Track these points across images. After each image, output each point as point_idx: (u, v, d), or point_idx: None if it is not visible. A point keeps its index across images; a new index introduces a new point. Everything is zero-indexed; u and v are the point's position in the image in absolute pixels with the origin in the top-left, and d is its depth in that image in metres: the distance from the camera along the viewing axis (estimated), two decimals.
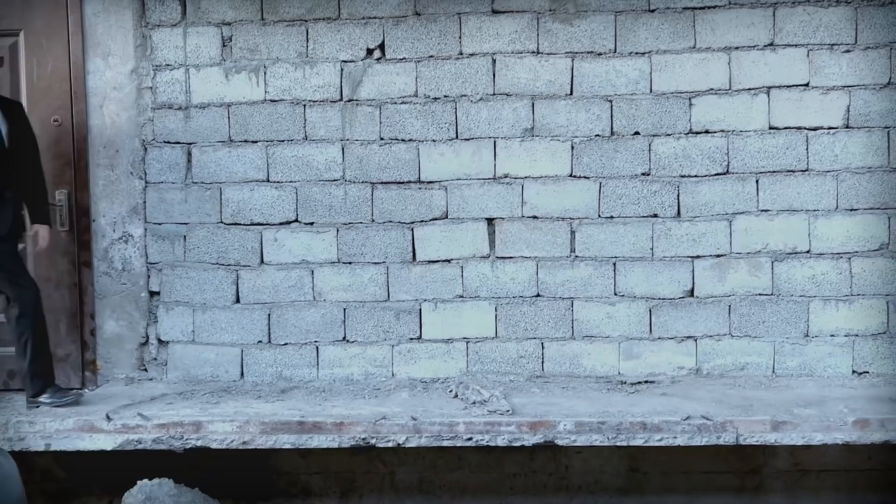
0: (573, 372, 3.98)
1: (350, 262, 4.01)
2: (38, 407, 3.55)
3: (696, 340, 3.96)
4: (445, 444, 3.34)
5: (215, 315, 4.02)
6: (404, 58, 3.96)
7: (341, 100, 3.99)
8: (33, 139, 3.70)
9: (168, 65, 4.00)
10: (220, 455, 3.46)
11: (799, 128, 3.90)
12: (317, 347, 4.03)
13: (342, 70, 3.97)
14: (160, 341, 4.06)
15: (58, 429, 3.42)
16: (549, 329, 3.99)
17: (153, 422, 3.40)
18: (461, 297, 3.99)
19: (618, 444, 3.30)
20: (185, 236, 4.02)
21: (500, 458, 3.82)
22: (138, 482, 3.50)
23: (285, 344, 4.02)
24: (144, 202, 4.02)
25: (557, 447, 3.40)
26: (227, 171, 4.01)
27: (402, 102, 3.97)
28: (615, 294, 3.97)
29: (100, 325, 4.03)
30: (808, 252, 3.92)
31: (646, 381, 3.86)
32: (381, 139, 3.98)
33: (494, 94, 3.95)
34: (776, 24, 3.88)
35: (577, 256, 3.97)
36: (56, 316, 3.98)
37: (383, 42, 3.96)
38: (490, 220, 3.98)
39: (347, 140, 3.99)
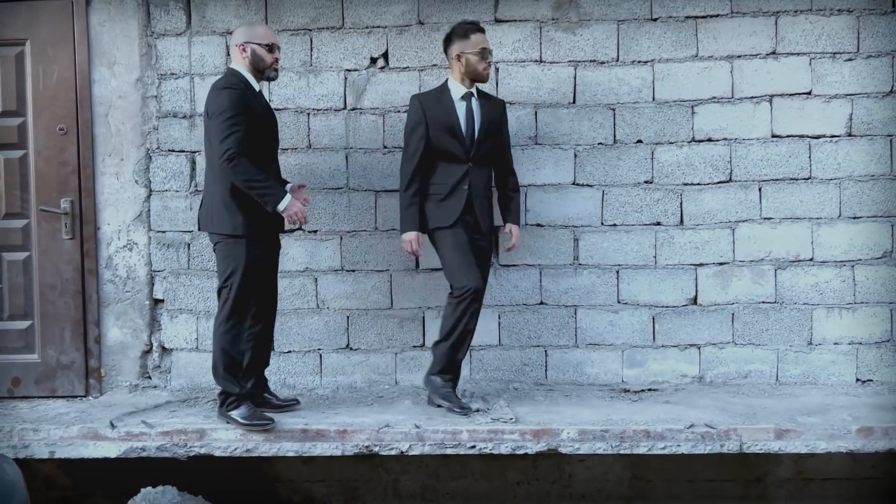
0: (577, 380, 3.98)
1: (353, 270, 4.02)
2: (427, 387, 3.54)
3: (699, 348, 3.96)
4: (449, 451, 3.33)
5: None
6: (408, 66, 3.97)
7: (345, 108, 4.00)
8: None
9: (173, 73, 4.03)
10: (224, 462, 3.46)
11: (801, 136, 3.91)
12: (320, 355, 4.04)
13: (346, 79, 3.99)
14: (164, 349, 4.07)
15: (62, 436, 3.42)
16: (552, 337, 3.99)
17: (157, 429, 3.40)
18: None
19: (621, 452, 3.29)
20: (189, 244, 4.04)
21: (503, 466, 3.82)
22: (142, 489, 3.51)
23: (289, 351, 4.03)
24: (149, 210, 4.04)
25: (561, 455, 3.40)
26: None
27: (406, 111, 3.98)
28: (618, 302, 3.97)
29: (104, 332, 4.05)
30: (811, 260, 3.92)
31: (649, 389, 3.86)
32: (385, 147, 3.99)
33: None
34: (778, 32, 3.89)
35: (580, 264, 3.97)
36: (61, 323, 4.00)
37: (387, 51, 3.98)
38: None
39: (351, 148, 4.00)
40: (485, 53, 3.46)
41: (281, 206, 3.23)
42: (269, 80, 3.42)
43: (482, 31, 3.50)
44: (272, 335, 3.56)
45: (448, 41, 3.52)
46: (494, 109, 3.57)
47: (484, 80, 3.52)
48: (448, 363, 3.48)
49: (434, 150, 3.46)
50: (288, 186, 3.41)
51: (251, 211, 3.25)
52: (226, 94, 3.22)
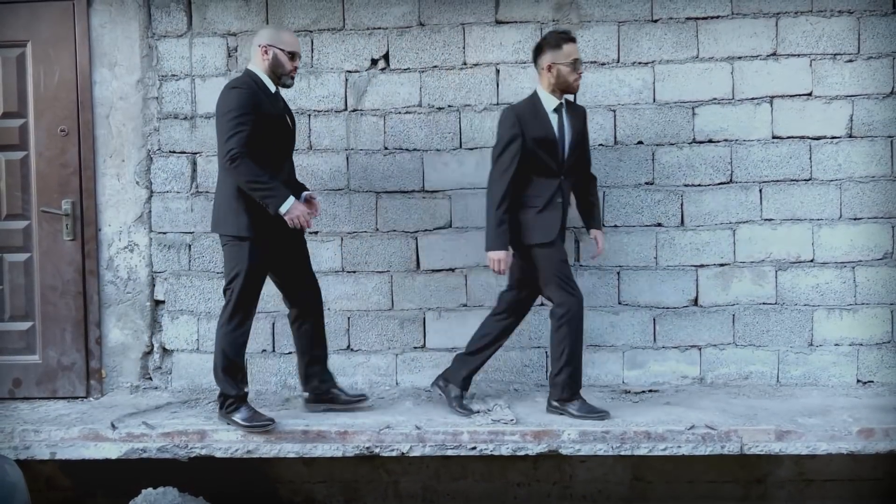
0: None
1: (354, 271, 4.02)
2: (561, 414, 3.41)
3: (700, 349, 3.96)
4: (449, 453, 3.33)
5: None
6: (408, 68, 3.98)
7: (346, 109, 4.01)
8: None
9: (174, 75, 4.03)
10: (225, 464, 3.46)
11: (802, 137, 3.91)
12: None
13: (347, 80, 3.99)
14: (165, 350, 4.07)
15: (63, 437, 3.42)
16: None
17: (158, 430, 3.40)
18: (465, 305, 4.00)
19: (622, 453, 3.29)
20: (190, 245, 4.04)
21: (503, 467, 3.82)
22: (143, 491, 3.52)
23: (290, 352, 4.03)
24: (150, 211, 4.04)
25: (561, 456, 3.40)
26: None
27: (407, 112, 3.99)
28: (619, 303, 3.97)
29: (105, 333, 4.05)
30: (811, 261, 3.92)
31: (650, 391, 3.86)
32: (386, 148, 4.00)
33: (498, 104, 3.96)
34: (779, 33, 3.89)
35: (580, 265, 3.97)
36: (61, 324, 4.00)
37: (388, 52, 3.98)
38: None
39: (352, 149, 4.01)
40: (577, 64, 3.36)
41: (283, 209, 3.19)
42: (285, 86, 3.39)
43: (574, 40, 3.39)
44: (323, 331, 3.54)
45: (539, 51, 3.41)
46: (579, 119, 3.50)
47: (574, 91, 3.44)
48: (578, 382, 3.42)
49: (529, 164, 3.34)
50: (304, 194, 3.41)
51: (257, 212, 3.23)
52: (234, 93, 3.20)
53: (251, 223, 3.23)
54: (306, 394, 3.57)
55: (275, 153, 3.30)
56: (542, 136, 3.36)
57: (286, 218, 3.21)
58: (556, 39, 3.37)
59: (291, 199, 3.21)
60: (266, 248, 3.29)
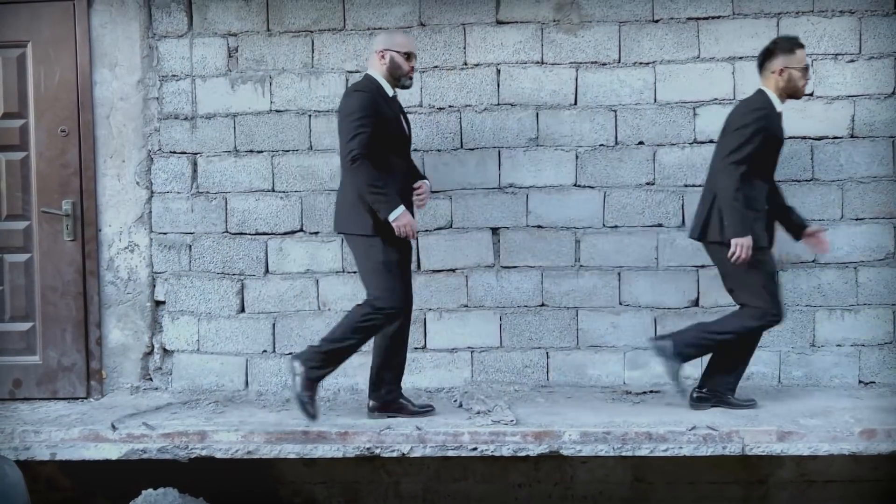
0: (578, 382, 3.97)
1: (355, 272, 3.98)
2: (716, 405, 3.52)
3: None
4: (450, 454, 3.33)
5: (220, 324, 4.03)
6: None
7: None
8: None
9: (174, 75, 4.03)
10: (225, 464, 3.45)
11: (804, 137, 3.90)
12: None
13: (347, 80, 3.99)
14: (165, 351, 4.06)
15: (63, 438, 3.42)
16: (553, 338, 3.98)
17: (158, 431, 3.40)
18: (466, 306, 3.99)
19: (623, 454, 3.28)
20: (190, 246, 4.04)
21: (504, 468, 3.81)
22: (143, 491, 3.51)
23: (290, 353, 4.01)
24: (150, 212, 4.04)
25: (562, 457, 3.39)
26: (233, 180, 4.03)
27: (407, 112, 3.97)
28: (620, 303, 3.96)
29: (105, 334, 4.04)
30: (813, 261, 3.91)
31: (651, 391, 3.85)
32: None
33: (499, 104, 3.96)
34: (780, 33, 3.87)
35: (581, 266, 3.96)
36: (62, 325, 4.00)
37: None
38: (495, 230, 3.98)
39: None
40: (807, 70, 3.40)
41: (392, 216, 3.23)
42: (404, 87, 3.45)
43: (804, 46, 3.41)
44: (407, 339, 3.50)
45: (769, 55, 3.41)
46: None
47: (800, 96, 3.45)
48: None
49: (756, 161, 3.32)
50: (422, 182, 3.46)
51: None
52: (356, 96, 3.29)
53: (375, 223, 3.28)
54: (371, 402, 3.50)
55: (393, 154, 3.36)
56: (777, 136, 3.38)
57: (394, 225, 3.25)
58: (790, 44, 3.40)
59: (402, 207, 3.26)
60: (393, 244, 3.31)
